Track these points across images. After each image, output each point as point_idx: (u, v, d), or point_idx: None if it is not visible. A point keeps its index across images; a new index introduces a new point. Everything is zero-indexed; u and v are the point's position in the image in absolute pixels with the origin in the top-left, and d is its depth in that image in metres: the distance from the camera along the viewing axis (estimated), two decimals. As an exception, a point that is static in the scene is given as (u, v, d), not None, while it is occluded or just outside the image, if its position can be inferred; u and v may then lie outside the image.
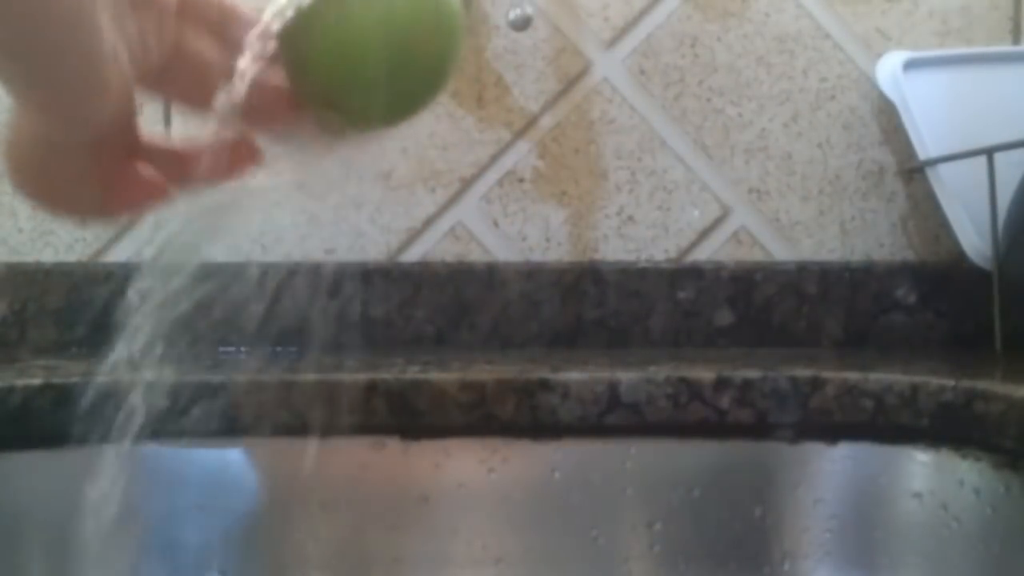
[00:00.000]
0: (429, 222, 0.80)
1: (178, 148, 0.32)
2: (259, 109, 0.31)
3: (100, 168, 0.30)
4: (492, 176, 0.80)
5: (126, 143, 0.31)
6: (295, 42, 0.30)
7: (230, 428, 0.56)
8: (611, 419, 0.57)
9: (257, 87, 0.31)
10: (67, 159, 0.29)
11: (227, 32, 0.31)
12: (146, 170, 0.31)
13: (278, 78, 0.31)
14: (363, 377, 0.56)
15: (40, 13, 0.24)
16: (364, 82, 0.29)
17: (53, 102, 0.26)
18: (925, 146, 0.74)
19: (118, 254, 0.78)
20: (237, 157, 0.32)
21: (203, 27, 0.31)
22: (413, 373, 0.57)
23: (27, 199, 0.30)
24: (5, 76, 0.26)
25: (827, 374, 0.58)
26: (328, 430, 0.57)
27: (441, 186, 0.80)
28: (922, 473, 0.56)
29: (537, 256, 0.80)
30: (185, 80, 0.31)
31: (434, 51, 0.31)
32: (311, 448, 0.57)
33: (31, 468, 0.55)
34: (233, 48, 0.31)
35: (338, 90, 0.30)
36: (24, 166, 0.29)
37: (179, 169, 0.32)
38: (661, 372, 0.58)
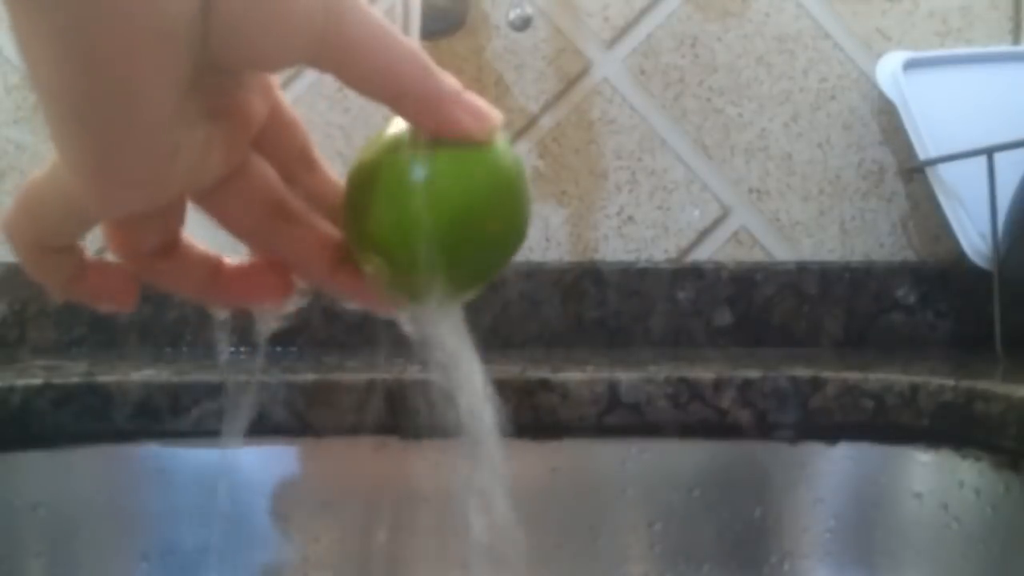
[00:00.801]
0: (429, 222, 0.80)
1: (211, 259, 0.30)
2: (303, 252, 0.30)
3: (124, 258, 0.29)
4: (492, 176, 0.80)
5: (156, 239, 0.29)
6: (361, 202, 0.27)
7: (230, 428, 0.56)
8: (611, 419, 0.57)
9: (308, 231, 0.30)
10: (72, 233, 0.28)
11: (296, 172, 0.30)
12: (118, 272, 0.30)
13: (330, 228, 0.30)
14: (363, 377, 0.56)
15: (108, 76, 0.22)
16: (428, 264, 0.27)
17: (94, 168, 0.25)
18: (925, 146, 0.74)
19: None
20: (270, 284, 0.31)
21: (276, 160, 0.29)
22: (413, 373, 0.57)
23: (8, 231, 0.28)
24: (59, 135, 0.24)
25: (827, 374, 0.58)
26: (328, 430, 0.57)
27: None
28: (922, 473, 0.56)
29: (537, 256, 0.80)
30: (239, 203, 0.29)
31: (508, 240, 0.29)
32: (311, 448, 0.57)
33: (31, 468, 0.55)
34: (295, 189, 0.30)
35: (401, 268, 0.28)
36: (27, 216, 0.27)
37: (204, 280, 0.30)
38: (661, 372, 0.58)
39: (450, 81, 0.26)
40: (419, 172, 0.26)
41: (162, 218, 0.28)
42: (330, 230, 0.30)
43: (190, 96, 0.24)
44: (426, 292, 0.28)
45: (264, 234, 0.30)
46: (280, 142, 0.30)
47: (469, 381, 0.33)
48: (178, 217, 0.29)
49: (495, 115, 0.27)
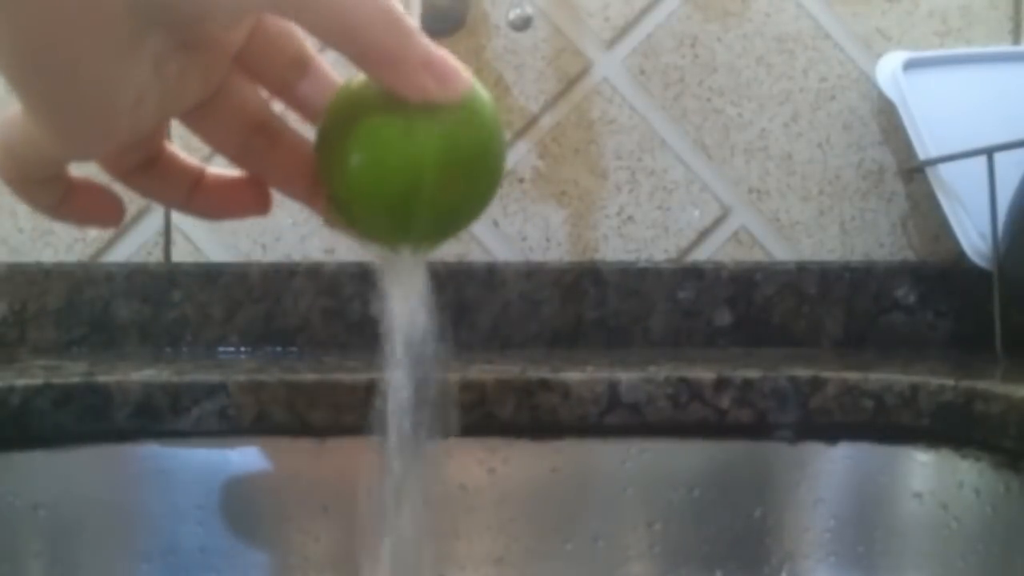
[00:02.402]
0: (429, 222, 0.80)
1: (194, 170, 0.31)
2: (285, 173, 0.30)
3: (106, 167, 0.30)
4: (492, 176, 0.80)
5: (138, 156, 0.30)
6: (337, 139, 0.27)
7: (230, 428, 0.56)
8: (611, 419, 0.57)
9: (290, 153, 0.30)
10: (52, 168, 0.28)
11: (288, 80, 0.29)
12: (102, 192, 0.30)
13: (308, 153, 0.30)
14: (363, 377, 0.56)
15: (50, 39, 0.22)
16: (403, 209, 0.27)
17: (56, 128, 0.25)
18: (925, 146, 0.74)
19: (118, 254, 0.78)
20: (248, 198, 0.31)
21: (267, 72, 0.29)
22: (413, 373, 0.57)
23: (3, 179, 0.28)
24: (14, 82, 0.24)
25: (827, 374, 0.58)
26: (328, 430, 0.57)
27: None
28: (922, 473, 0.56)
29: (537, 256, 0.80)
30: (221, 123, 0.29)
31: (483, 185, 0.28)
32: (311, 448, 0.57)
33: (31, 468, 0.55)
34: (290, 98, 0.30)
35: (371, 210, 0.28)
36: (6, 154, 0.27)
37: (186, 191, 0.31)
38: (661, 372, 0.58)
39: (419, 42, 0.25)
40: (394, 125, 0.26)
41: (142, 141, 0.29)
42: (309, 150, 0.30)
43: (152, 39, 0.24)
44: (399, 242, 0.29)
45: (245, 153, 0.30)
46: (268, 55, 0.29)
47: (411, 350, 0.33)
48: (159, 133, 0.30)
49: (463, 78, 0.26)
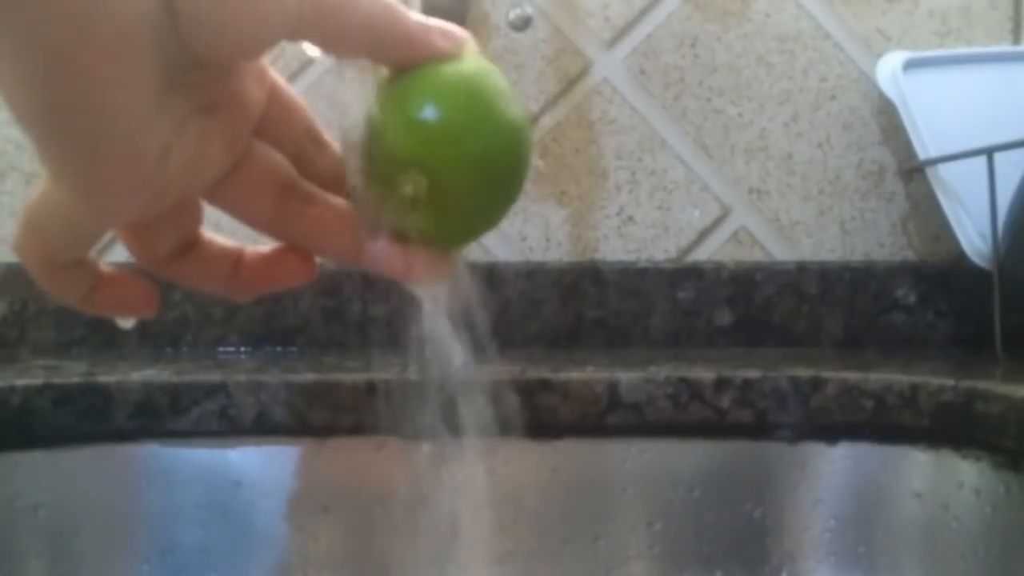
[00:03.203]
0: (429, 222, 0.80)
1: (232, 252, 0.30)
2: (324, 231, 0.30)
3: (140, 262, 0.29)
4: (492, 176, 0.80)
5: (172, 241, 0.29)
6: (380, 142, 0.28)
7: (230, 428, 0.56)
8: (611, 419, 0.57)
9: (324, 210, 0.29)
10: (78, 247, 0.27)
11: (305, 152, 0.30)
12: (135, 280, 0.29)
13: (347, 204, 0.30)
14: (363, 377, 0.56)
15: (83, 107, 0.22)
16: (456, 177, 0.28)
17: (81, 181, 0.24)
18: (925, 146, 0.74)
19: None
20: (292, 268, 0.31)
21: (282, 143, 0.29)
22: (413, 373, 0.57)
23: (18, 254, 0.27)
24: (43, 149, 0.24)
25: (827, 374, 0.58)
26: (328, 430, 0.57)
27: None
28: (922, 473, 0.56)
29: (537, 256, 0.80)
30: (249, 192, 0.29)
31: (514, 185, 0.29)
32: (311, 448, 0.57)
33: (31, 468, 0.55)
34: (308, 168, 0.30)
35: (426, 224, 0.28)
36: (33, 235, 0.27)
37: (227, 273, 0.30)
38: (661, 372, 0.58)
39: (415, 17, 0.27)
40: (428, 88, 0.27)
41: (175, 219, 0.28)
42: (346, 206, 0.30)
43: (173, 94, 0.24)
44: (462, 205, 0.29)
45: (281, 219, 0.29)
46: (284, 125, 0.29)
47: (451, 365, 0.32)
48: (193, 216, 0.29)
49: (462, 32, 0.28)
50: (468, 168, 0.28)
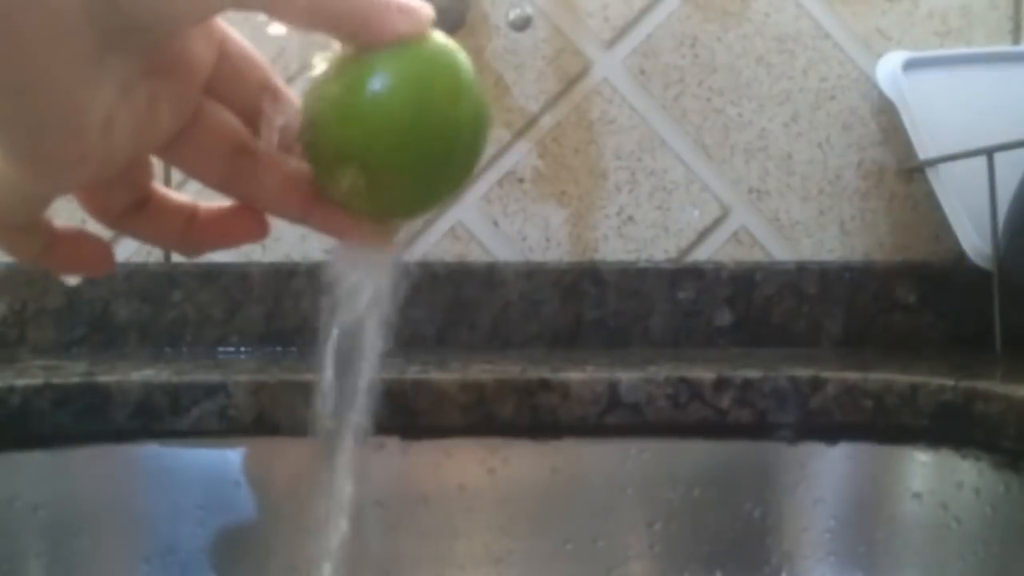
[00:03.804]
0: (429, 222, 0.80)
1: (186, 208, 0.30)
2: (274, 192, 0.30)
3: (95, 216, 0.29)
4: (492, 176, 0.80)
5: (124, 198, 0.29)
6: (321, 126, 0.28)
7: (230, 428, 0.56)
8: (611, 419, 0.57)
9: (275, 170, 0.29)
10: (28, 212, 0.27)
11: (259, 107, 0.29)
12: (89, 240, 0.30)
13: (298, 163, 0.29)
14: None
15: (15, 86, 0.22)
16: (394, 173, 0.27)
17: (26, 155, 0.24)
18: (925, 146, 0.74)
19: (118, 254, 0.78)
20: (244, 226, 0.31)
21: (235, 100, 0.29)
22: (413, 373, 0.57)
23: None
24: None
25: (827, 374, 0.58)
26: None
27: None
28: (922, 473, 0.56)
29: (537, 256, 0.80)
30: (200, 152, 0.29)
31: (459, 177, 0.29)
32: (311, 448, 0.57)
33: (31, 468, 0.55)
34: (262, 124, 0.29)
35: (367, 179, 0.28)
36: None
37: (180, 229, 0.30)
38: (661, 372, 0.58)
39: None
40: (378, 77, 0.27)
41: (127, 177, 0.28)
42: (298, 165, 0.29)
43: (114, 60, 0.24)
44: (402, 195, 0.28)
45: (232, 179, 0.29)
46: (236, 83, 0.29)
47: (368, 344, 0.33)
48: (144, 173, 0.29)
49: (425, 9, 0.27)
50: (409, 168, 0.27)
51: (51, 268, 0.30)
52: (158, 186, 0.30)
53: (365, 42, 0.27)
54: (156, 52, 0.25)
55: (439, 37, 0.28)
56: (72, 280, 0.30)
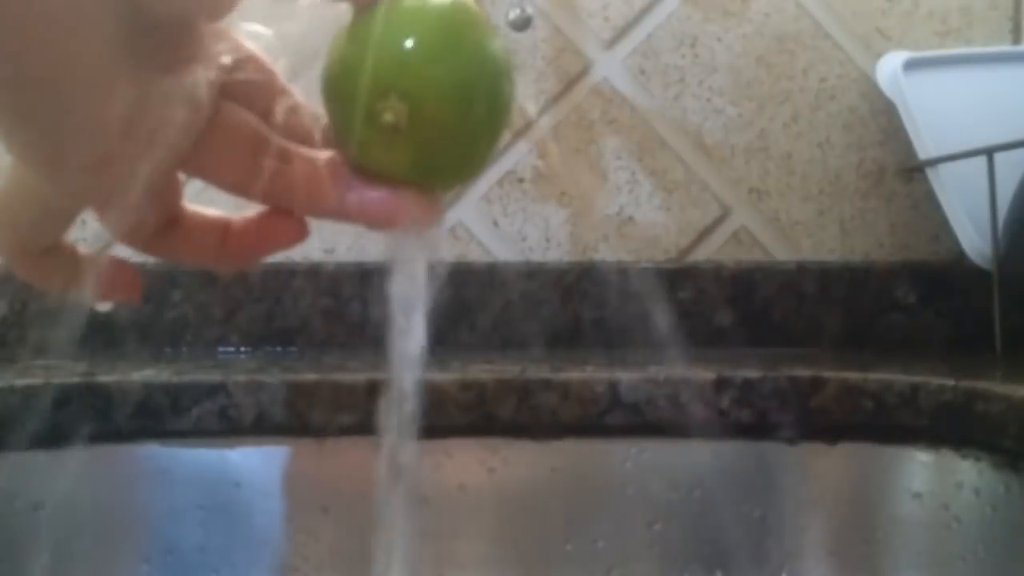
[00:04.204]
0: (429, 222, 0.80)
1: (220, 222, 0.29)
2: (304, 187, 0.28)
3: (124, 239, 0.28)
4: (492, 176, 0.80)
5: (153, 217, 0.28)
6: (356, 67, 0.27)
7: (230, 428, 0.56)
8: (611, 419, 0.57)
9: (302, 164, 0.28)
10: (52, 231, 0.27)
11: (274, 110, 0.29)
12: (121, 267, 0.29)
13: (325, 154, 0.29)
14: (363, 377, 0.56)
15: (44, 84, 0.22)
16: (438, 104, 0.27)
17: (46, 156, 0.24)
18: (925, 146, 0.74)
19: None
20: (281, 230, 0.29)
21: (251, 101, 0.28)
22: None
23: (5, 257, 0.27)
24: (1, 125, 0.23)
25: (827, 374, 0.58)
26: (328, 430, 0.57)
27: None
28: (922, 473, 0.56)
29: (537, 256, 0.80)
30: (222, 155, 0.28)
31: (497, 116, 0.28)
32: (311, 448, 0.57)
33: (31, 468, 0.55)
34: (279, 127, 0.29)
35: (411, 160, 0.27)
36: (5, 225, 0.26)
37: (216, 245, 0.29)
38: (661, 372, 0.58)
39: None
40: (398, 15, 0.26)
41: (155, 195, 0.28)
42: (324, 156, 0.29)
43: (133, 60, 0.23)
44: (446, 137, 0.27)
45: (258, 180, 0.28)
46: (250, 83, 0.28)
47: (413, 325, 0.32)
48: (173, 190, 0.28)
49: None
50: (448, 92, 0.27)
51: (79, 295, 0.29)
52: (188, 204, 0.29)
53: None
54: (173, 52, 0.25)
55: None
56: (105, 306, 0.29)
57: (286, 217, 0.29)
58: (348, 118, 0.27)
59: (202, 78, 0.27)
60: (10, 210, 0.26)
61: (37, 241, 0.27)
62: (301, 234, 0.30)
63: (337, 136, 0.28)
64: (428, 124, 0.27)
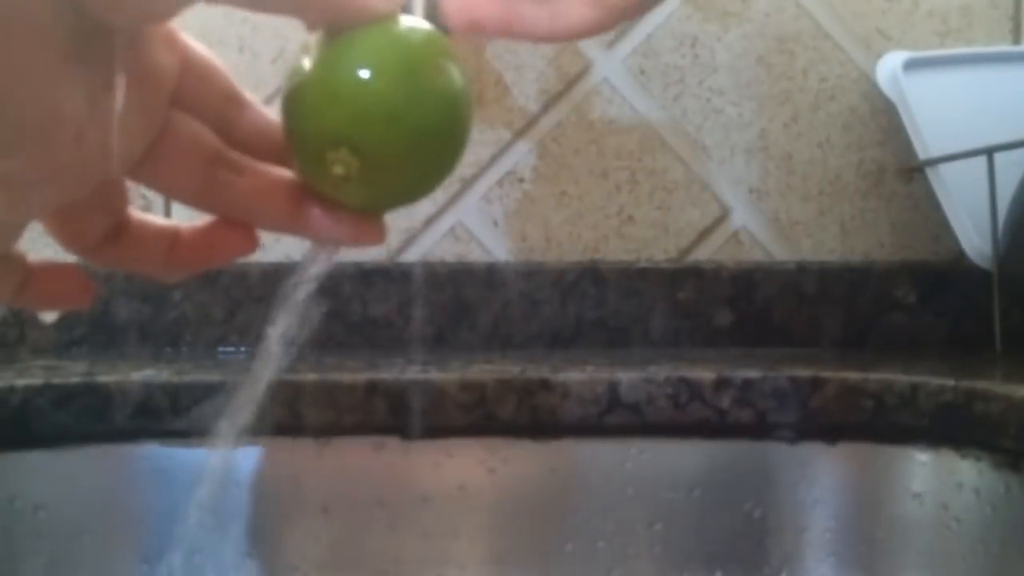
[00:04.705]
0: (429, 222, 0.80)
1: (168, 231, 0.29)
2: (257, 200, 0.28)
3: (70, 247, 0.28)
4: (492, 176, 0.80)
5: (100, 225, 0.28)
6: (308, 112, 0.27)
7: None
8: (611, 419, 0.57)
9: (254, 178, 0.28)
10: (3, 239, 0.26)
11: (227, 117, 0.28)
12: (67, 269, 0.28)
13: (278, 168, 0.29)
14: (363, 377, 0.56)
15: None
16: (388, 150, 0.27)
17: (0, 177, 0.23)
18: (925, 146, 0.74)
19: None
20: (231, 240, 0.29)
21: (202, 110, 0.28)
22: (413, 373, 0.57)
23: None
24: None
25: (827, 374, 0.58)
26: (328, 430, 0.57)
27: (441, 186, 0.80)
28: (922, 473, 0.56)
29: (537, 256, 0.80)
30: (174, 166, 0.27)
31: (451, 156, 0.28)
32: (311, 448, 0.57)
33: (31, 468, 0.55)
34: (232, 134, 0.28)
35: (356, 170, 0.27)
36: None
37: (163, 254, 0.29)
38: (661, 372, 0.58)
39: None
40: (363, 55, 0.26)
41: (102, 202, 0.27)
42: (277, 171, 0.29)
43: (80, 69, 0.23)
44: (397, 175, 0.28)
45: (210, 191, 0.28)
46: (202, 91, 0.28)
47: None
48: (119, 197, 0.28)
49: None
50: (401, 145, 0.27)
51: (30, 304, 0.28)
52: (135, 212, 0.29)
53: (341, 24, 0.26)
54: (120, 61, 0.25)
55: (407, 18, 0.27)
56: (50, 317, 0.28)
57: (237, 227, 0.29)
58: (300, 150, 0.27)
59: (152, 88, 0.26)
60: None
61: None
62: (251, 245, 0.30)
63: (290, 151, 0.28)
64: (379, 172, 0.27)
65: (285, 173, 0.29)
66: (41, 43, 0.22)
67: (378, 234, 0.29)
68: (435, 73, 0.27)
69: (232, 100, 0.29)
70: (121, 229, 0.28)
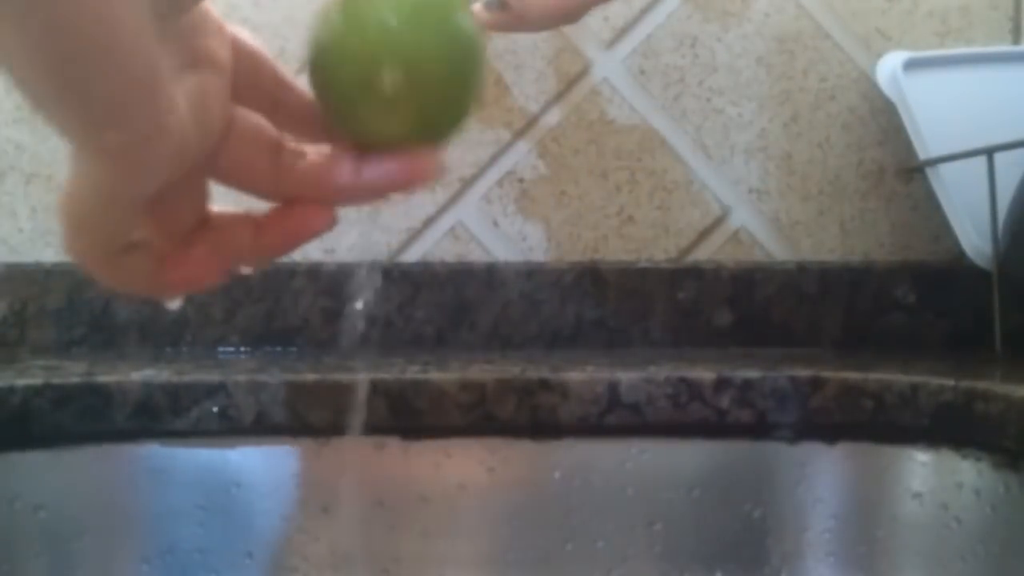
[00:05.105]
0: (429, 222, 0.80)
1: (249, 218, 0.30)
2: (321, 176, 0.29)
3: (157, 242, 0.29)
4: (492, 176, 0.80)
5: (189, 216, 0.29)
6: (348, 41, 0.28)
7: (230, 428, 0.56)
8: (611, 419, 0.57)
9: (315, 158, 0.29)
10: (124, 222, 0.27)
11: (279, 103, 0.29)
12: (201, 251, 0.29)
13: (332, 140, 0.29)
14: (363, 377, 0.56)
15: (95, 47, 0.22)
16: (431, 64, 0.28)
17: (113, 143, 0.24)
18: (925, 146, 0.74)
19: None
20: (311, 219, 0.30)
21: (254, 99, 0.29)
22: (413, 373, 0.57)
23: (80, 267, 0.27)
24: (63, 117, 0.24)
25: (827, 374, 0.58)
26: (328, 430, 0.57)
27: (441, 186, 0.80)
28: (922, 473, 0.56)
29: (537, 256, 0.80)
30: (247, 158, 0.29)
31: (477, 80, 0.30)
32: (311, 448, 0.57)
33: (31, 468, 0.55)
34: (282, 117, 0.29)
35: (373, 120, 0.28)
36: (78, 228, 0.26)
37: (250, 240, 0.30)
38: (661, 372, 0.58)
39: None
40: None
41: (190, 192, 0.28)
42: (331, 142, 0.29)
43: (163, 45, 0.24)
44: (438, 98, 0.29)
45: (279, 177, 0.29)
46: (255, 80, 0.29)
47: None
48: (203, 188, 0.29)
49: None
50: (437, 52, 0.28)
51: (171, 290, 0.29)
52: (214, 209, 0.30)
53: None
54: (189, 44, 0.26)
55: None
56: (175, 303, 0.28)
57: (310, 206, 0.30)
58: (344, 96, 0.28)
59: (218, 76, 0.27)
60: (76, 213, 0.26)
61: (112, 239, 0.27)
62: (331, 220, 0.30)
63: (335, 117, 0.29)
64: (423, 85, 0.28)
65: (336, 147, 0.29)
66: (136, 6, 0.23)
67: (435, 166, 0.29)
68: (463, 12, 0.29)
69: (280, 85, 0.29)
70: (204, 223, 0.29)
